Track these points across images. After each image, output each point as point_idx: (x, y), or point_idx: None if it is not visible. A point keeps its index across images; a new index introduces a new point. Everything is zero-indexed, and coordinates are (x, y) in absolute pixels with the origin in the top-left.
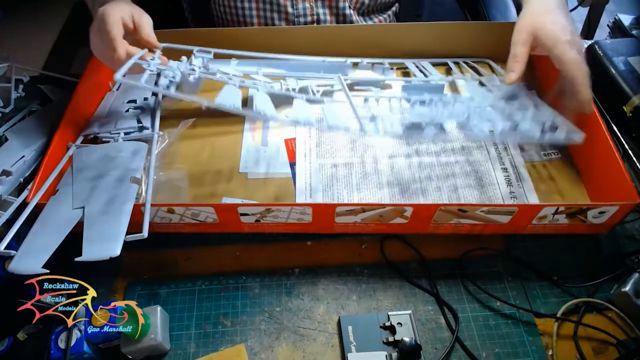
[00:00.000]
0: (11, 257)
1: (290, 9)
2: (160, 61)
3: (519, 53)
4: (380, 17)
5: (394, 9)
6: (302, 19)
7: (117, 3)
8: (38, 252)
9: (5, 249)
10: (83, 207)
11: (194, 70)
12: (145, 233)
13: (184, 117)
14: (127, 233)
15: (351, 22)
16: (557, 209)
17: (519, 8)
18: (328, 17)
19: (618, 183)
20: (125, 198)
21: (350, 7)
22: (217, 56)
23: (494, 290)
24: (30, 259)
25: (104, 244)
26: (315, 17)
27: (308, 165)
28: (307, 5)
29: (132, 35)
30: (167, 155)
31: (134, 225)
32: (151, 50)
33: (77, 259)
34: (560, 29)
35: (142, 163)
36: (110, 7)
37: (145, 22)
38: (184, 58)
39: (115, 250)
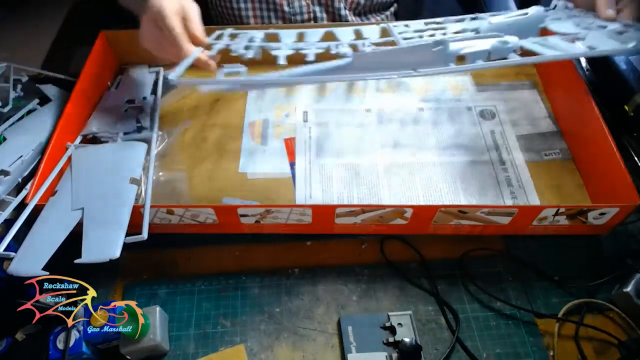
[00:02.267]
0: (10, 259)
1: (286, 8)
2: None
3: None
4: (378, 18)
5: (392, 9)
6: (298, 17)
7: None
8: (37, 254)
9: (4, 250)
10: (82, 208)
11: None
12: (145, 234)
13: (184, 117)
14: (127, 234)
15: (347, 22)
16: (558, 210)
17: None
18: (324, 16)
19: (619, 183)
20: (124, 199)
21: (345, 8)
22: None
23: (495, 291)
24: (30, 261)
25: (104, 245)
26: (311, 15)
27: (308, 165)
28: (303, 3)
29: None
30: (166, 156)
31: (134, 226)
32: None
33: (76, 261)
34: None
35: (142, 163)
36: (163, 1)
37: (195, 14)
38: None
39: (115, 252)
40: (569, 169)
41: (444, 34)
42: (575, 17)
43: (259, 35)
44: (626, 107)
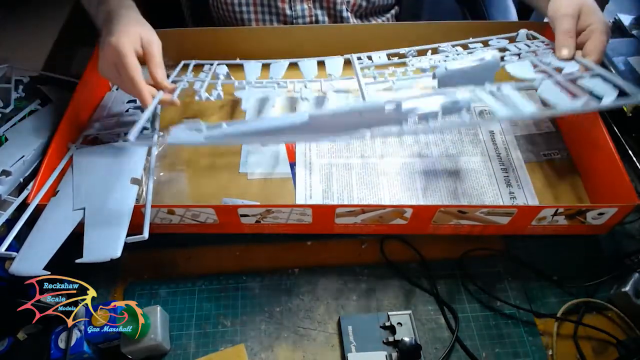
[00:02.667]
0: (12, 259)
1: (288, 11)
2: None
3: (570, 26)
4: (379, 20)
5: (393, 11)
6: (300, 20)
7: (127, 25)
8: (39, 254)
9: (6, 250)
10: (84, 208)
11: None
12: (145, 234)
13: (184, 118)
14: (128, 234)
15: (349, 24)
16: (557, 210)
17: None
18: (326, 19)
19: (618, 184)
20: (125, 199)
21: (347, 10)
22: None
23: (494, 290)
24: (31, 261)
25: (105, 245)
26: (313, 18)
27: (308, 166)
28: (305, 6)
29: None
30: (167, 156)
31: (135, 226)
32: (161, 87)
33: (77, 261)
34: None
35: (142, 164)
36: (123, 36)
37: (157, 51)
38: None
39: (115, 251)
40: (568, 169)
41: (405, 71)
42: (534, 56)
43: (222, 70)
44: (625, 108)
